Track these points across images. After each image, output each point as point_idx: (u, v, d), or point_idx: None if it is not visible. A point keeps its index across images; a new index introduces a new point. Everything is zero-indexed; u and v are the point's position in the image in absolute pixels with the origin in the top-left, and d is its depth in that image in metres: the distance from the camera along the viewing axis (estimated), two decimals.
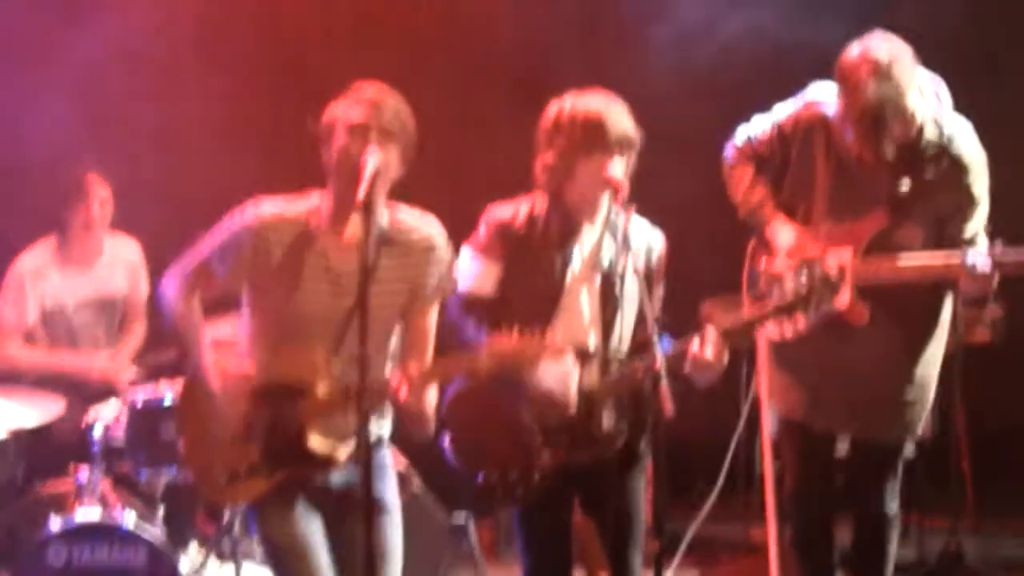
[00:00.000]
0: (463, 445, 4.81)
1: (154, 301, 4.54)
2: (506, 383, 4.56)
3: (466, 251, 4.81)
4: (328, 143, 4.31)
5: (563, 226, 4.79)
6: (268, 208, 4.37)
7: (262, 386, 4.31)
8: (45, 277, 6.42)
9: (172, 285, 4.46)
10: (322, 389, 4.24)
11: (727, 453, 6.07)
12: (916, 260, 5.10)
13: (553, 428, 4.71)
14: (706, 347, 4.59)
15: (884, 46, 4.95)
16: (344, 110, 4.31)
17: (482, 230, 4.84)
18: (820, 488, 5.43)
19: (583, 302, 4.80)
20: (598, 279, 4.80)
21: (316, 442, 4.26)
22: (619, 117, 4.70)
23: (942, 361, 5.41)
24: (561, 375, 4.64)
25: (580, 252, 4.83)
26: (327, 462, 4.31)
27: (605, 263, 4.79)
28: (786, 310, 4.63)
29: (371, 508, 4.10)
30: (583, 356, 4.72)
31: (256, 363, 4.37)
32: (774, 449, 5.66)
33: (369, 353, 4.03)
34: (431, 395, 4.38)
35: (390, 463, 4.57)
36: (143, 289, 6.65)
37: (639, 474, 4.92)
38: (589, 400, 4.74)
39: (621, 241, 4.70)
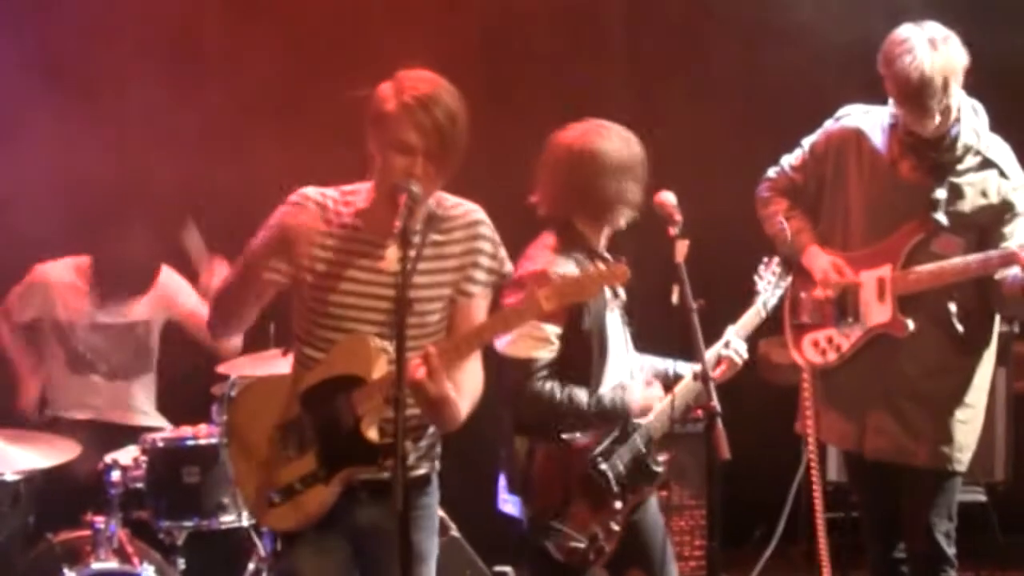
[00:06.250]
0: (547, 515, 4.75)
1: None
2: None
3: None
4: (374, 134, 4.11)
5: (591, 258, 4.80)
6: (308, 193, 4.21)
7: (312, 386, 4.17)
8: (62, 291, 6.36)
9: None
10: (375, 374, 4.09)
11: (787, 498, 5.97)
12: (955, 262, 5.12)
13: (626, 474, 4.78)
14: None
15: (930, 25, 5.02)
16: (394, 110, 4.05)
17: None
18: (883, 520, 5.34)
19: (617, 332, 4.86)
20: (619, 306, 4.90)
21: (374, 432, 4.11)
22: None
23: (1015, 401, 5.50)
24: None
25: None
26: (387, 451, 4.06)
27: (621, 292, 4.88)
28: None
29: (406, 527, 3.93)
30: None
31: (304, 363, 4.23)
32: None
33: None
34: (472, 380, 4.17)
35: (434, 505, 4.36)
36: (188, 302, 6.41)
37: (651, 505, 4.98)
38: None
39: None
